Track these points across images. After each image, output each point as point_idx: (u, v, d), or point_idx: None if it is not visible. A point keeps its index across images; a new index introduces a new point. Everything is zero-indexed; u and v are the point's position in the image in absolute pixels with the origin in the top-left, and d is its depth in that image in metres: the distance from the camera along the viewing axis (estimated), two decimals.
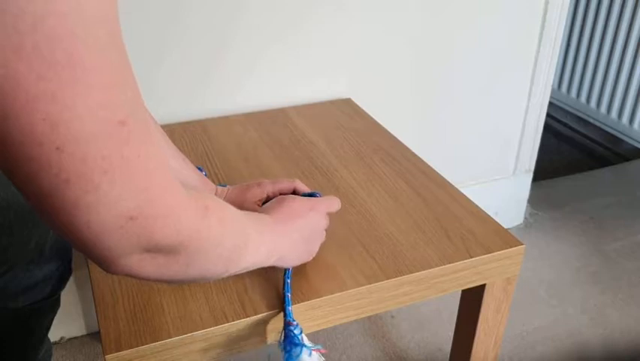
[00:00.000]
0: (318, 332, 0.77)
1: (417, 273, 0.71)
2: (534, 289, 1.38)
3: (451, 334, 0.90)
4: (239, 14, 1.07)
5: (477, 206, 0.83)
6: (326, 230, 0.71)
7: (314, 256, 0.69)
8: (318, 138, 1.03)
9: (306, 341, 0.60)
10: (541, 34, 1.33)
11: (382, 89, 1.25)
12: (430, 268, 0.71)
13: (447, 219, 0.80)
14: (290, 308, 0.64)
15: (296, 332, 0.60)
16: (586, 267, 1.45)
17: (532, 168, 1.54)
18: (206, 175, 0.85)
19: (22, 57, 0.30)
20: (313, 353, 0.59)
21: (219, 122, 1.09)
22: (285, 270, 0.67)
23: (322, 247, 0.71)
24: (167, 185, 0.40)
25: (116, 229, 0.37)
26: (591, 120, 2.03)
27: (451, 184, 0.88)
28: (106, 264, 0.40)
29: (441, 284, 0.73)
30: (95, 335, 1.23)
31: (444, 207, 0.83)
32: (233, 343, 0.65)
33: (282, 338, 0.61)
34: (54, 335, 1.20)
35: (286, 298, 0.64)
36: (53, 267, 0.78)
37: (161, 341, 0.61)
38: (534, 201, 1.66)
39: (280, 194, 0.77)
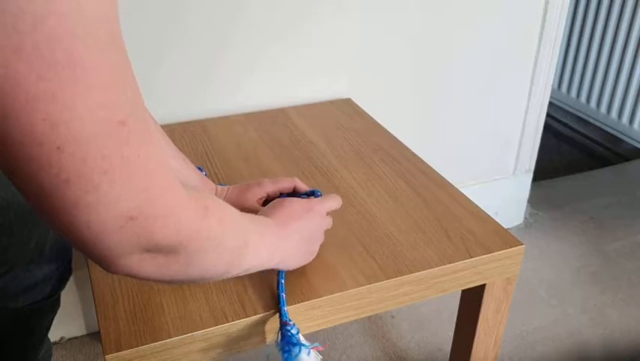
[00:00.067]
0: (318, 332, 0.77)
1: (417, 273, 0.71)
2: (534, 289, 1.38)
3: (451, 334, 0.90)
4: (239, 14, 1.07)
5: (477, 206, 0.83)
6: (328, 229, 0.71)
7: (314, 257, 0.69)
8: (318, 138, 1.03)
9: (303, 340, 0.60)
10: (541, 34, 1.33)
11: (382, 89, 1.25)
12: (430, 268, 0.71)
13: (447, 219, 0.80)
14: (285, 308, 0.64)
15: (293, 331, 0.60)
16: (586, 267, 1.45)
17: (532, 168, 1.54)
18: (206, 175, 0.85)
19: (22, 57, 0.30)
20: (312, 351, 0.59)
21: (219, 122, 1.09)
22: (279, 270, 0.67)
23: (322, 247, 0.71)
24: (167, 185, 0.40)
25: (116, 229, 0.37)
26: (591, 120, 2.03)
27: (451, 184, 0.88)
28: (106, 264, 0.40)
29: (441, 284, 0.73)
30: (95, 335, 1.23)
31: (444, 207, 0.83)
32: (233, 343, 0.65)
33: (279, 338, 0.61)
34: (54, 335, 1.20)
35: (281, 299, 0.64)
36: (53, 267, 0.78)
37: (161, 341, 0.61)
38: (534, 201, 1.66)
39: (280, 193, 0.77)
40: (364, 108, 1.16)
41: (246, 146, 1.00)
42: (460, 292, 0.82)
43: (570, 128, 2.14)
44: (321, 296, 0.67)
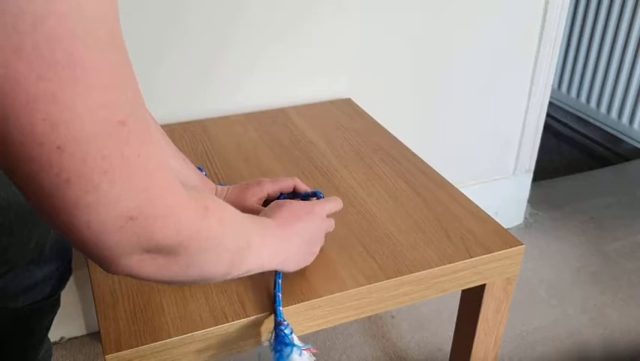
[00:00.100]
0: (318, 332, 0.77)
1: (417, 273, 0.71)
2: (534, 289, 1.38)
3: (451, 334, 0.90)
4: (239, 14, 1.07)
5: (477, 206, 0.83)
6: (330, 232, 0.71)
7: (313, 258, 0.69)
8: (318, 138, 1.03)
9: (296, 340, 0.60)
10: (541, 34, 1.33)
11: (382, 89, 1.25)
12: (430, 268, 0.71)
13: (447, 219, 0.80)
14: (280, 308, 0.63)
15: (286, 331, 0.60)
16: (586, 267, 1.45)
17: (532, 168, 1.54)
18: (206, 175, 0.85)
19: (22, 57, 0.30)
20: (304, 352, 0.59)
21: (219, 122, 1.09)
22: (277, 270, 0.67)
23: (322, 246, 0.71)
24: (167, 185, 0.40)
25: (116, 229, 0.37)
26: (591, 120, 2.03)
27: (451, 184, 0.88)
28: (106, 264, 0.40)
29: (441, 284, 0.73)
30: (95, 335, 1.23)
31: (444, 207, 0.83)
32: (233, 343, 0.65)
33: (273, 337, 0.61)
34: (54, 335, 1.20)
35: (277, 298, 0.64)
36: (53, 267, 0.78)
37: (161, 341, 0.61)
38: (534, 201, 1.66)
39: (280, 193, 0.77)
40: (364, 108, 1.16)
41: (246, 146, 1.00)
42: (460, 292, 0.82)
43: (570, 128, 2.14)
44: (321, 296, 0.67)
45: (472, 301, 0.81)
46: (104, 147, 0.34)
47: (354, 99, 1.20)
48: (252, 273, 0.57)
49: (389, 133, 1.05)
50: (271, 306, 0.65)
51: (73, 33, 0.31)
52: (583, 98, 2.02)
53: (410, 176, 0.91)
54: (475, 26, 1.27)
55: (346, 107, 1.16)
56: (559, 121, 2.17)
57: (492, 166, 1.48)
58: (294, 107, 1.16)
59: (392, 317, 1.29)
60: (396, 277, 0.70)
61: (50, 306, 0.82)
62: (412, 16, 1.20)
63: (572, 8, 1.96)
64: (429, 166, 0.93)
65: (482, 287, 0.78)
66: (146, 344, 0.60)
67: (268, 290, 0.67)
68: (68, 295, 1.15)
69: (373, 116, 1.12)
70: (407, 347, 1.21)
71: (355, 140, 1.02)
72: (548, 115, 1.89)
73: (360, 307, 0.70)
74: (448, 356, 0.94)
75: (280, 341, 0.60)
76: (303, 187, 0.78)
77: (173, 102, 1.10)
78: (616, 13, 1.83)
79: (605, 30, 1.88)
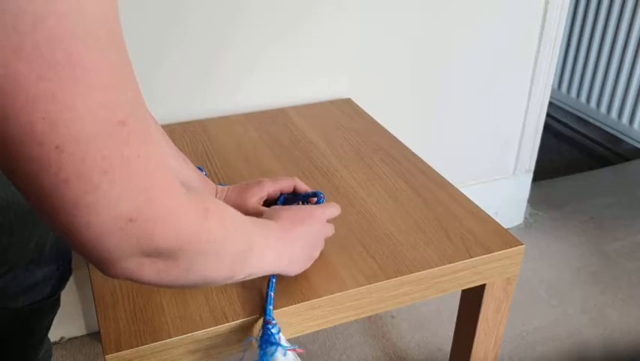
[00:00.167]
0: (318, 332, 0.77)
1: (417, 273, 0.71)
2: (534, 289, 1.38)
3: (451, 334, 0.90)
4: (239, 14, 1.07)
5: (477, 206, 0.83)
6: (329, 236, 0.71)
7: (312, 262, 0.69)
8: (318, 138, 1.03)
9: (283, 340, 0.60)
10: (541, 34, 1.33)
11: (382, 89, 1.25)
12: (430, 268, 0.71)
13: (447, 219, 0.80)
14: (270, 307, 0.63)
15: (273, 331, 0.60)
16: (586, 267, 1.45)
17: (532, 168, 1.54)
18: (206, 175, 0.85)
19: (22, 57, 0.30)
20: (289, 353, 0.59)
21: (219, 122, 1.09)
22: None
23: (322, 248, 0.71)
24: (167, 185, 0.40)
25: (116, 231, 0.37)
26: (591, 120, 2.03)
27: (451, 184, 0.88)
28: (105, 266, 0.40)
29: (441, 284, 0.73)
30: (95, 335, 1.23)
31: (444, 207, 0.83)
32: (234, 343, 0.65)
33: (260, 335, 0.61)
34: (54, 335, 1.20)
35: (268, 297, 0.64)
36: (53, 267, 0.78)
37: (161, 341, 0.61)
38: (534, 201, 1.66)
39: (280, 193, 0.77)
40: (364, 108, 1.16)
41: (246, 146, 1.00)
42: (460, 292, 0.82)
43: (570, 128, 2.14)
44: (321, 296, 0.67)
45: (472, 301, 0.81)
46: (104, 147, 0.34)
47: (354, 99, 1.20)
48: (255, 277, 0.57)
49: (389, 133, 1.05)
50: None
51: (73, 33, 0.31)
52: (583, 98, 2.02)
53: (410, 176, 0.91)
54: (475, 26, 1.27)
55: (346, 107, 1.16)
56: (559, 121, 2.17)
57: (492, 166, 1.48)
58: (294, 107, 1.16)
59: (392, 317, 1.29)
60: (396, 277, 0.70)
61: (50, 306, 0.82)
62: (412, 16, 1.20)
63: (572, 8, 1.96)
64: (429, 166, 0.93)
65: (482, 287, 0.78)
66: (146, 344, 0.60)
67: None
68: (68, 295, 1.15)
69: (373, 116, 1.12)
70: (407, 347, 1.21)
71: (355, 140, 1.02)
72: (548, 115, 1.89)
73: (360, 307, 0.70)
74: (448, 356, 0.94)
75: (266, 340, 0.60)
76: (303, 187, 0.78)
77: (173, 102, 1.10)
78: (616, 13, 1.83)
79: (605, 30, 1.88)
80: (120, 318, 0.64)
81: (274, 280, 0.65)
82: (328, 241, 0.72)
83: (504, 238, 0.77)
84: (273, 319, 0.62)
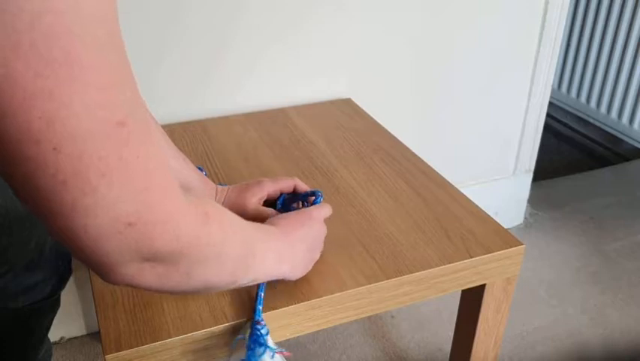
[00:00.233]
0: (318, 332, 0.77)
1: (417, 273, 0.71)
2: (534, 289, 1.38)
3: (451, 334, 0.90)
4: (239, 14, 1.07)
5: (477, 206, 0.83)
6: (328, 233, 0.71)
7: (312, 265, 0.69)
8: (318, 138, 1.03)
9: (270, 342, 0.60)
10: (541, 34, 1.33)
11: (382, 89, 1.25)
12: (430, 268, 0.71)
13: (447, 219, 0.80)
14: (260, 307, 0.63)
15: (262, 332, 0.60)
16: (586, 267, 1.45)
17: (532, 168, 1.54)
18: (206, 175, 0.85)
19: (19, 55, 0.29)
20: (276, 355, 0.59)
21: (219, 122, 1.09)
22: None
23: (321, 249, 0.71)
24: (166, 186, 0.39)
25: (114, 234, 0.36)
26: (591, 120, 2.03)
27: (451, 184, 0.88)
28: (105, 272, 0.39)
29: (441, 284, 0.73)
30: (95, 335, 1.23)
31: (444, 207, 0.83)
32: (236, 343, 0.65)
33: (248, 335, 0.61)
34: (54, 335, 1.20)
35: (258, 297, 0.64)
36: (53, 267, 0.78)
37: (161, 341, 0.61)
38: (534, 201, 1.66)
39: (280, 192, 0.77)
40: (364, 108, 1.16)
41: (246, 146, 1.00)
42: (460, 292, 0.82)
43: (570, 128, 2.14)
44: (321, 296, 0.67)
45: (472, 301, 0.81)
46: (102, 147, 0.33)
47: (354, 99, 1.20)
48: (259, 282, 0.57)
49: (389, 133, 1.05)
50: (271, 306, 0.65)
51: (71, 31, 0.31)
52: (583, 98, 2.02)
53: (410, 176, 0.91)
54: (475, 26, 1.27)
55: (346, 107, 1.16)
56: (559, 121, 2.17)
57: (492, 166, 1.48)
58: (294, 107, 1.16)
59: (392, 317, 1.28)
60: (396, 277, 0.70)
61: (50, 306, 0.82)
62: (412, 16, 1.20)
63: (572, 8, 1.96)
64: (429, 166, 0.93)
65: (482, 287, 0.78)
66: (146, 344, 0.60)
67: (268, 290, 0.67)
68: (68, 295, 1.15)
69: (373, 116, 1.12)
70: (407, 347, 1.21)
71: (355, 140, 1.02)
72: (548, 115, 1.89)
73: (360, 307, 0.70)
74: (448, 356, 0.94)
75: (254, 340, 0.60)
76: (303, 187, 0.78)
77: (173, 102, 1.10)
78: (616, 13, 1.83)
79: (605, 30, 1.88)
80: (120, 318, 0.64)
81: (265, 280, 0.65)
82: (328, 241, 0.72)
83: (504, 238, 0.77)
84: (262, 319, 0.62)
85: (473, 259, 0.73)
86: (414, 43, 1.23)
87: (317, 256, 0.69)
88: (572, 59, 2.03)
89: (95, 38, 0.32)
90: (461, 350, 0.87)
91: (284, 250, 0.61)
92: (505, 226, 0.97)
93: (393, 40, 1.21)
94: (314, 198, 0.75)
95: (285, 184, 0.77)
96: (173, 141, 0.77)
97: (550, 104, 1.91)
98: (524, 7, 1.29)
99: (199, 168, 0.79)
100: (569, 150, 2.04)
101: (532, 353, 1.21)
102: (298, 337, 0.67)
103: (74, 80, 0.31)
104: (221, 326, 0.63)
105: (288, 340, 0.66)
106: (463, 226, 0.79)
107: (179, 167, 0.73)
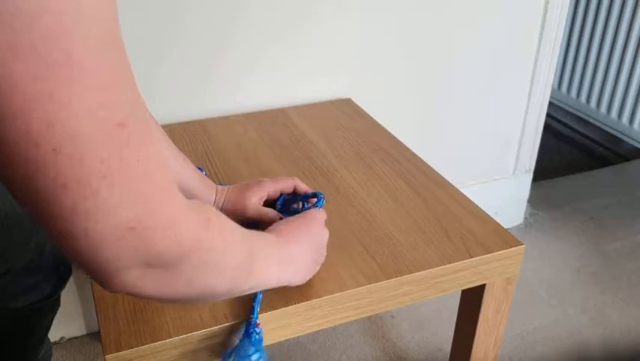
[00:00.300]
0: (318, 332, 0.77)
1: (417, 273, 0.71)
2: (534, 289, 1.38)
3: (451, 334, 0.90)
4: (239, 14, 1.07)
5: (477, 206, 0.83)
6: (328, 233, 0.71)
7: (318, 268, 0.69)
8: (318, 138, 1.03)
9: (262, 347, 0.60)
10: (541, 34, 1.33)
11: (382, 89, 1.25)
12: (430, 268, 0.71)
13: (447, 219, 0.80)
14: (258, 309, 0.63)
15: (259, 336, 0.61)
16: (586, 267, 1.45)
17: (532, 168, 1.54)
18: (206, 175, 0.85)
19: (18, 57, 0.29)
20: None
21: (219, 122, 1.09)
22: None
23: None
24: (166, 186, 0.39)
25: (115, 240, 0.36)
26: (591, 120, 2.03)
27: (451, 184, 0.88)
28: (105, 278, 0.39)
29: (441, 284, 0.73)
30: (95, 335, 1.23)
31: (444, 207, 0.83)
32: (233, 343, 0.65)
33: (243, 333, 0.61)
34: (54, 335, 1.20)
35: (257, 298, 0.64)
36: (53, 267, 0.78)
37: (161, 341, 0.61)
38: (534, 201, 1.66)
39: (281, 193, 0.77)
40: (364, 108, 1.16)
41: (246, 146, 1.00)
42: (460, 292, 0.82)
43: (570, 128, 2.14)
44: (321, 296, 0.67)
45: (472, 301, 0.81)
46: (102, 149, 0.33)
47: (354, 99, 1.20)
48: (260, 289, 0.56)
49: (389, 133, 1.05)
50: (271, 306, 0.65)
51: (70, 31, 0.30)
52: (583, 98, 2.02)
53: (410, 176, 0.91)
54: (475, 26, 1.27)
55: (346, 107, 1.16)
56: (559, 121, 2.17)
57: (492, 166, 1.48)
58: (294, 107, 1.16)
59: (392, 317, 1.29)
60: (396, 277, 0.70)
61: (50, 306, 0.82)
62: (412, 17, 1.20)
63: (572, 8, 1.96)
64: (429, 166, 0.93)
65: (482, 287, 0.78)
66: (146, 344, 0.60)
67: (268, 291, 0.67)
68: (68, 295, 1.15)
69: (373, 116, 1.12)
70: (407, 347, 1.21)
71: (355, 140, 1.02)
72: (548, 115, 1.89)
73: (360, 307, 0.70)
74: (448, 356, 0.94)
75: (248, 341, 0.60)
76: (303, 187, 0.78)
77: (173, 102, 1.10)
78: (616, 13, 1.83)
79: (605, 30, 1.88)
80: (120, 318, 0.64)
81: None
82: (328, 241, 0.72)
83: (504, 238, 0.77)
84: (259, 322, 0.62)
85: (473, 259, 0.73)
86: (414, 43, 1.23)
87: (322, 260, 0.69)
88: (572, 59, 2.03)
89: (95, 39, 0.32)
90: (461, 350, 0.87)
91: (285, 257, 0.61)
92: (505, 226, 0.97)
93: (393, 41, 1.21)
94: (316, 199, 0.75)
95: (285, 184, 0.77)
96: (173, 140, 0.77)
97: (550, 104, 1.91)
98: (524, 7, 1.29)
99: (199, 168, 0.79)
100: (569, 150, 2.04)
101: (532, 353, 1.21)
102: (298, 337, 0.67)
103: (74, 81, 0.31)
104: (221, 326, 0.63)
105: (288, 340, 0.66)
106: (463, 226, 0.79)
107: (179, 167, 0.73)
